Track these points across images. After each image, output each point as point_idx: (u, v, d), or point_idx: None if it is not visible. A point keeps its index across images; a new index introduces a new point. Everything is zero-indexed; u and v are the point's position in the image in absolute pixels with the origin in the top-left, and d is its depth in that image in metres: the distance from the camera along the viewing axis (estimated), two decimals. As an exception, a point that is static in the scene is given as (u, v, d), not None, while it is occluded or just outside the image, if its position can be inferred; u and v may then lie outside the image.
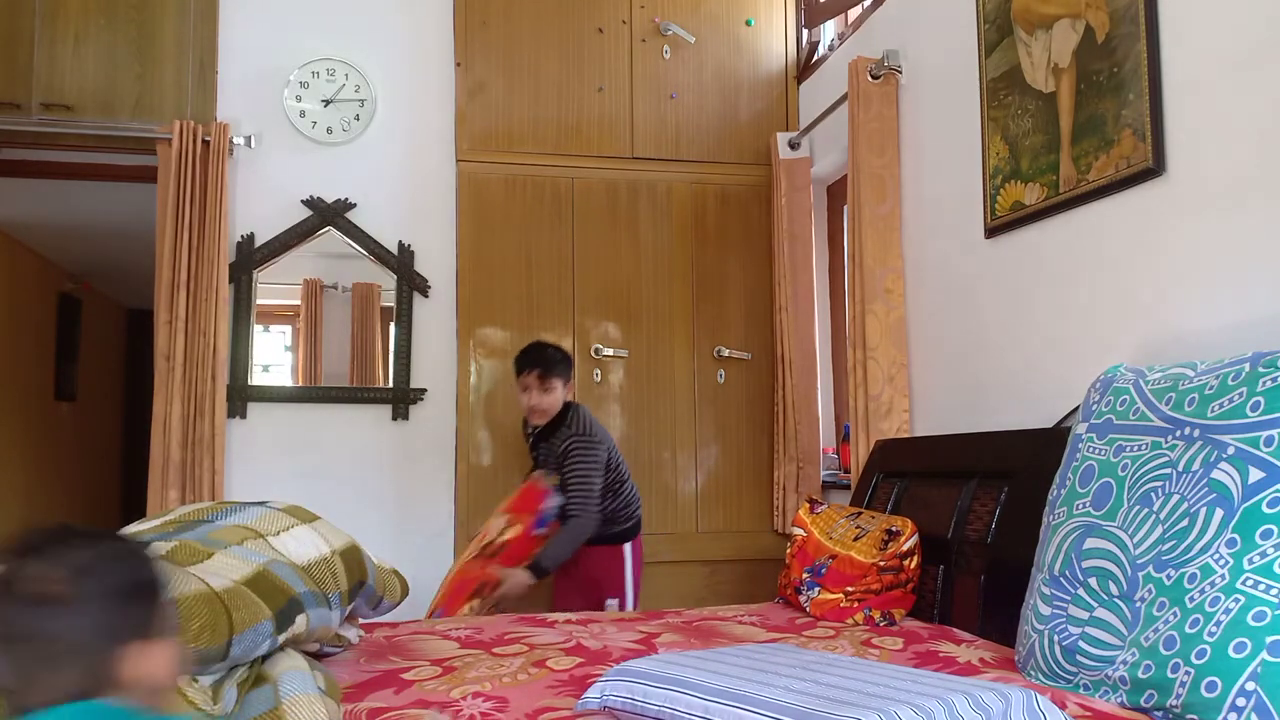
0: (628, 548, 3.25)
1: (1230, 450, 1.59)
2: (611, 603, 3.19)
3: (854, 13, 3.84)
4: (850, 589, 2.48)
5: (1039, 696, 1.46)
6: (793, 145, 3.96)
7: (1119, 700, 1.64)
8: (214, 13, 3.76)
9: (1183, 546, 1.60)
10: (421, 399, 3.88)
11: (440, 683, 1.81)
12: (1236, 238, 2.00)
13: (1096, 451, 1.89)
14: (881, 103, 3.33)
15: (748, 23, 4.13)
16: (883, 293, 3.26)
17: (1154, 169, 2.18)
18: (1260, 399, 1.59)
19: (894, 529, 2.52)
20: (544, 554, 3.00)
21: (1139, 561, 1.67)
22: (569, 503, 3.07)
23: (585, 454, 3.08)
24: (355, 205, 3.86)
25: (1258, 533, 1.51)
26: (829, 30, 4.12)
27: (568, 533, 3.05)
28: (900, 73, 3.34)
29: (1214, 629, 1.50)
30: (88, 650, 0.86)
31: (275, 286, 3.86)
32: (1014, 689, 1.47)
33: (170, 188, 3.56)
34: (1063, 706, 1.58)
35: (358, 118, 3.89)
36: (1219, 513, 1.57)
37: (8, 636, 0.85)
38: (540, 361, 3.10)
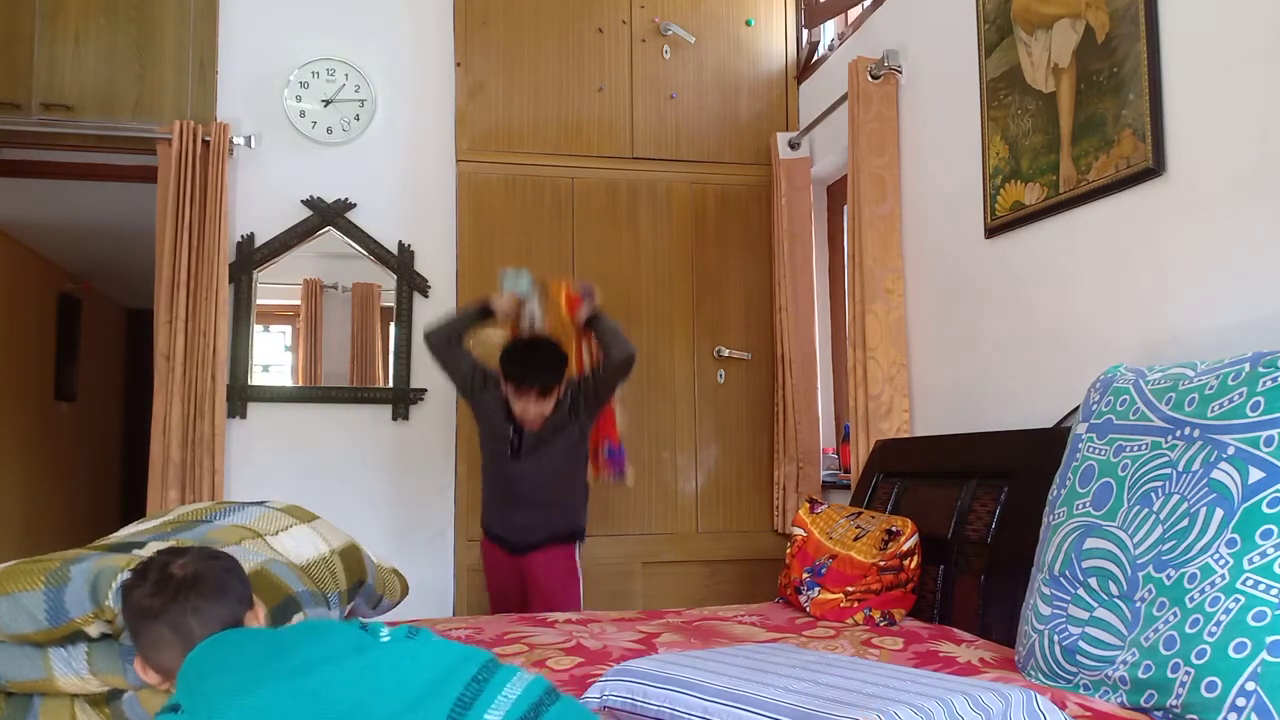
0: (577, 551, 3.06)
1: (1230, 450, 1.59)
2: None
3: (854, 13, 3.84)
4: (850, 589, 2.48)
5: (1039, 697, 1.46)
6: (793, 145, 3.96)
7: (1119, 700, 1.64)
8: (214, 13, 3.76)
9: (1183, 546, 1.60)
10: (421, 399, 3.88)
11: (440, 683, 1.81)
12: (1236, 238, 2.00)
13: (1096, 451, 1.89)
14: (881, 103, 3.33)
15: (748, 23, 4.12)
16: (883, 293, 3.26)
17: (1154, 169, 2.18)
18: (1260, 399, 1.59)
19: (894, 529, 2.52)
20: (605, 318, 3.09)
21: (1139, 561, 1.67)
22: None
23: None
24: (355, 205, 3.86)
25: (1258, 533, 1.51)
26: (829, 30, 4.12)
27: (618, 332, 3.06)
28: (900, 73, 3.34)
29: (1214, 629, 1.50)
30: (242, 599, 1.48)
31: (275, 286, 3.87)
32: (1014, 689, 1.46)
33: (170, 188, 3.56)
34: (1063, 706, 1.58)
35: (358, 118, 3.88)
36: (1219, 513, 1.57)
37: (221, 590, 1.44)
38: (541, 379, 2.88)
